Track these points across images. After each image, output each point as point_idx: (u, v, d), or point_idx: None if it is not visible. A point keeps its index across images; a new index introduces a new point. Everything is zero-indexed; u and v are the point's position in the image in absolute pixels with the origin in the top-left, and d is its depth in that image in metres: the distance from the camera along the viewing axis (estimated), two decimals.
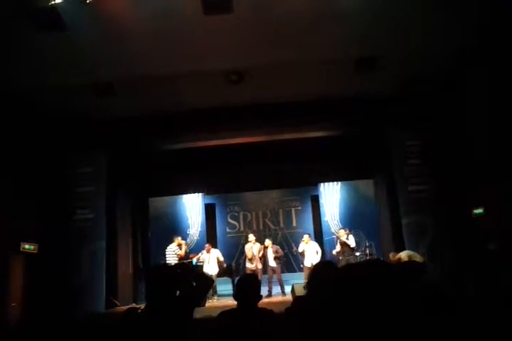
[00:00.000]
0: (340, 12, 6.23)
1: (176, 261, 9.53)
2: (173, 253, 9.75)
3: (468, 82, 7.86)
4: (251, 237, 10.39)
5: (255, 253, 10.03)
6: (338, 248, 10.05)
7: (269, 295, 9.72)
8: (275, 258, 10.08)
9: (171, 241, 10.00)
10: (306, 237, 10.20)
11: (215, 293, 9.66)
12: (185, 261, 10.00)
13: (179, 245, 9.94)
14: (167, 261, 9.59)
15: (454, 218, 8.68)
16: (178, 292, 2.27)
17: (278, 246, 10.53)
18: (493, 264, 7.43)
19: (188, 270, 2.76)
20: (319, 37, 6.77)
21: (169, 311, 2.17)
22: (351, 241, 9.94)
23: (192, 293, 2.48)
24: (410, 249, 8.76)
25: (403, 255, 8.03)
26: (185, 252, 10.09)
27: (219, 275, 9.99)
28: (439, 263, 8.37)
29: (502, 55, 6.69)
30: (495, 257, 7.46)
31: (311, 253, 9.97)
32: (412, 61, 7.81)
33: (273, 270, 10.02)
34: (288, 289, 9.41)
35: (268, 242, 10.34)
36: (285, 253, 10.88)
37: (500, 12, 6.34)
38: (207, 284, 2.67)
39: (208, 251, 10.09)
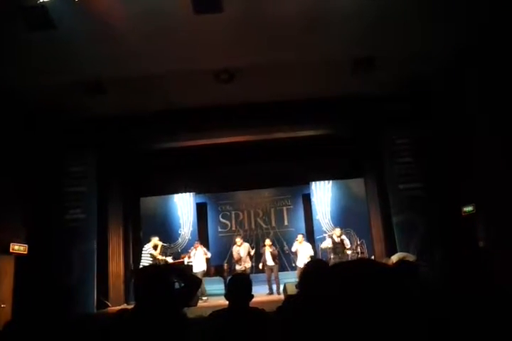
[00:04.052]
0: (336, 13, 6.23)
1: (150, 262, 9.46)
2: (146, 254, 9.62)
3: (466, 82, 7.89)
4: (238, 241, 10.50)
5: (242, 255, 10.15)
6: (329, 244, 10.03)
7: (271, 293, 9.94)
8: (274, 258, 10.24)
9: (148, 241, 9.94)
10: (300, 237, 10.32)
11: (203, 293, 9.60)
12: (176, 261, 9.99)
13: (155, 246, 9.80)
14: (141, 262, 9.55)
15: (445, 216, 8.73)
16: (166, 292, 2.26)
17: (274, 247, 10.71)
18: (484, 262, 7.48)
19: (175, 270, 2.75)
20: (315, 37, 6.76)
21: (158, 311, 2.16)
22: (347, 241, 10.03)
23: (179, 293, 2.47)
24: (401, 246, 8.81)
25: (395, 258, 8.03)
26: (161, 253, 9.93)
27: (207, 274, 9.98)
28: (430, 261, 8.42)
29: (501, 55, 6.72)
30: (485, 255, 7.51)
31: (304, 253, 10.03)
32: (409, 61, 7.83)
33: (271, 269, 10.16)
34: (280, 288, 9.49)
35: (268, 242, 10.54)
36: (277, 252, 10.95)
37: (499, 12, 6.37)
38: (195, 284, 2.65)
39: (196, 248, 10.13)
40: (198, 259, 10.01)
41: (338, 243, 9.95)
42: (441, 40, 7.11)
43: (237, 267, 10.14)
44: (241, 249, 10.25)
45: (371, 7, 6.09)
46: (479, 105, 7.52)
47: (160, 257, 9.78)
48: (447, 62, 7.97)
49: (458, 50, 7.57)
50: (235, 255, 10.26)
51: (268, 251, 10.29)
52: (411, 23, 6.55)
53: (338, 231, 10.10)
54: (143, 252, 9.70)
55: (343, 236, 10.08)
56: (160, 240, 9.98)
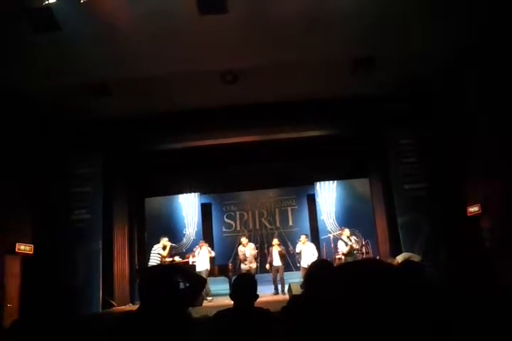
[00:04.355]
0: (337, 13, 6.24)
1: (158, 262, 9.49)
2: (155, 254, 9.64)
3: (466, 82, 7.87)
4: (243, 240, 10.49)
5: (247, 254, 10.14)
6: (347, 248, 9.81)
7: (276, 293, 9.91)
8: (281, 258, 10.21)
9: (158, 241, 9.95)
10: (303, 238, 10.25)
11: (208, 293, 9.60)
12: (181, 261, 10.00)
13: (164, 246, 9.82)
14: (149, 262, 9.58)
15: (450, 216, 8.70)
16: (170, 292, 2.26)
17: (283, 247, 10.65)
18: (489, 262, 7.45)
19: (180, 270, 2.75)
20: (317, 37, 6.77)
21: (163, 311, 2.17)
22: (354, 242, 9.99)
23: (184, 293, 2.48)
24: (406, 247, 8.78)
25: (400, 258, 8.00)
26: (169, 254, 9.92)
27: (211, 274, 9.97)
28: (435, 262, 8.39)
29: (501, 55, 6.69)
30: (490, 255, 7.48)
31: (307, 253, 9.99)
32: (410, 61, 7.82)
33: (277, 269, 10.13)
34: (285, 288, 9.48)
35: (276, 241, 10.49)
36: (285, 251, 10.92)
37: (499, 12, 6.35)
38: (200, 284, 2.66)
39: (201, 247, 10.13)
40: (202, 258, 10.00)
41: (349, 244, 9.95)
42: (441, 40, 7.10)
43: (243, 266, 10.13)
44: (246, 249, 10.25)
45: (371, 7, 6.09)
46: (479, 105, 7.50)
47: (167, 259, 9.78)
48: (447, 62, 7.95)
49: (458, 50, 7.56)
50: (241, 255, 10.26)
51: (276, 251, 10.24)
52: (411, 23, 6.55)
53: (347, 231, 10.06)
54: (152, 252, 9.73)
55: (353, 237, 10.08)
56: (169, 241, 10.01)
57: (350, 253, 9.76)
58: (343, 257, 9.84)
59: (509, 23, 6.34)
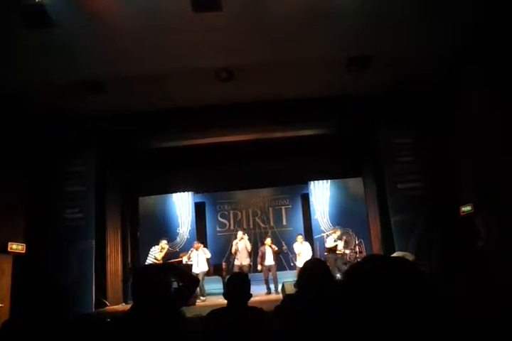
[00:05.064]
0: (334, 11, 6.22)
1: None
2: (152, 256, 9.64)
3: (464, 82, 7.89)
4: (239, 234, 10.45)
5: (239, 248, 10.11)
6: (332, 244, 10.07)
7: (269, 292, 9.87)
8: (275, 256, 10.22)
9: (157, 243, 9.90)
10: (300, 238, 10.28)
11: (202, 293, 9.57)
12: (174, 260, 9.96)
13: (162, 249, 9.79)
14: (146, 262, 9.55)
15: (443, 216, 8.73)
16: (163, 291, 2.25)
17: (277, 246, 10.66)
18: (482, 262, 7.48)
19: (173, 270, 2.74)
20: (313, 35, 6.76)
21: (155, 310, 2.15)
22: (343, 244, 10.10)
23: (177, 293, 2.47)
24: (399, 246, 8.81)
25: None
26: (164, 257, 9.84)
27: (208, 273, 9.95)
28: (428, 261, 8.42)
29: (501, 54, 6.70)
30: (483, 255, 7.52)
31: (305, 253, 10.03)
32: (405, 60, 7.82)
33: (269, 269, 10.09)
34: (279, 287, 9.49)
35: (269, 241, 10.46)
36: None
37: (493, 13, 6.38)
38: (193, 283, 2.65)
39: (197, 249, 10.08)
40: (200, 260, 9.95)
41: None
42: (441, 38, 7.10)
43: (236, 262, 10.12)
44: (240, 243, 10.22)
45: (369, 5, 6.08)
46: (479, 104, 7.51)
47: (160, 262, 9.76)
48: (445, 61, 7.96)
49: (456, 49, 7.57)
50: (234, 248, 10.25)
51: (269, 250, 10.22)
52: (409, 22, 6.54)
53: (339, 232, 10.21)
54: (150, 253, 9.71)
55: (344, 237, 10.19)
56: (167, 243, 10.00)
57: (333, 250, 9.90)
58: (325, 253, 10.02)
59: (508, 22, 6.36)
